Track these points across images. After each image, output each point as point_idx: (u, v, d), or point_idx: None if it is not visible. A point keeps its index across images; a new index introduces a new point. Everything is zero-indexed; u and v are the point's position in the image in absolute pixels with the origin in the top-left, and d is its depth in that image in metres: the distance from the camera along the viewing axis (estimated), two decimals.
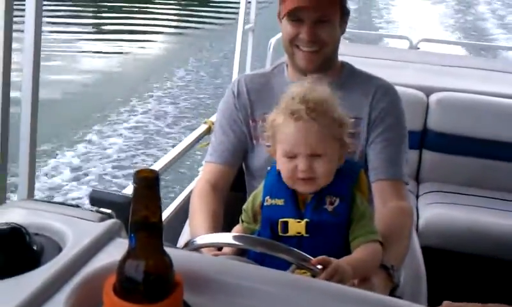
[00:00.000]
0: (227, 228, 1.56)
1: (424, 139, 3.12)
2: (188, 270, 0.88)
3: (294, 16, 1.69)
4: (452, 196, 2.95)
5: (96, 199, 1.18)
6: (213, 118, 2.96)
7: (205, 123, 2.89)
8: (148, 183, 0.81)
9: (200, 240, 1.30)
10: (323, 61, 1.73)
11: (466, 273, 2.65)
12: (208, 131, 2.81)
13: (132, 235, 0.81)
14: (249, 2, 3.45)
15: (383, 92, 1.76)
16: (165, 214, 2.30)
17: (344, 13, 1.76)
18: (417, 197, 2.96)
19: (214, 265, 0.94)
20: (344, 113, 1.39)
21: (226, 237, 1.31)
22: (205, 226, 1.60)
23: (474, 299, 2.58)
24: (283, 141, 1.37)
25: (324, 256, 1.22)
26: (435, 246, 2.39)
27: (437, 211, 2.77)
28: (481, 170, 3.07)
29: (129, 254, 0.81)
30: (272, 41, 3.75)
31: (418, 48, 4.50)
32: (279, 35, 3.83)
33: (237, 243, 1.29)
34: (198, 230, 1.60)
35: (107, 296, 0.80)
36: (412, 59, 3.95)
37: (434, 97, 3.16)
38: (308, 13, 1.67)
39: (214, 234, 1.38)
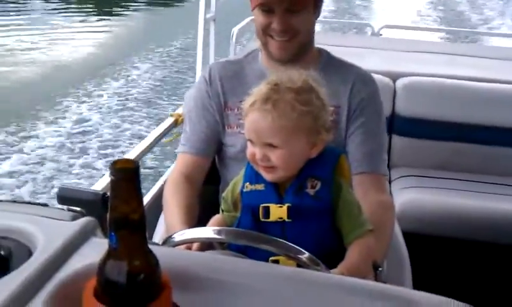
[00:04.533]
0: (201, 222, 1.48)
1: (393, 124, 3.11)
2: (175, 269, 0.80)
3: (265, 6, 1.66)
4: (424, 179, 2.95)
5: (65, 198, 1.10)
6: (179, 111, 2.88)
7: (171, 116, 2.79)
8: (127, 175, 0.73)
9: (180, 235, 1.21)
10: (297, 49, 1.69)
11: (443, 256, 2.65)
12: (175, 124, 2.72)
13: (113, 233, 0.73)
14: None
15: (363, 82, 1.73)
16: None
17: None
18: (390, 182, 2.95)
19: (202, 262, 0.87)
20: (321, 104, 1.31)
21: (208, 232, 1.23)
22: (181, 220, 1.54)
23: (452, 281, 2.59)
24: (245, 127, 1.33)
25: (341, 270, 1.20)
26: (411, 231, 2.37)
27: (411, 196, 2.76)
28: (450, 153, 3.08)
29: (110, 255, 0.73)
30: (235, 30, 3.66)
31: (381, 35, 4.49)
32: (241, 24, 3.80)
33: (229, 238, 1.20)
34: (175, 225, 1.53)
35: (87, 302, 0.73)
36: (376, 46, 3.93)
37: (400, 82, 3.15)
38: (277, 2, 1.64)
39: (197, 228, 1.29)
